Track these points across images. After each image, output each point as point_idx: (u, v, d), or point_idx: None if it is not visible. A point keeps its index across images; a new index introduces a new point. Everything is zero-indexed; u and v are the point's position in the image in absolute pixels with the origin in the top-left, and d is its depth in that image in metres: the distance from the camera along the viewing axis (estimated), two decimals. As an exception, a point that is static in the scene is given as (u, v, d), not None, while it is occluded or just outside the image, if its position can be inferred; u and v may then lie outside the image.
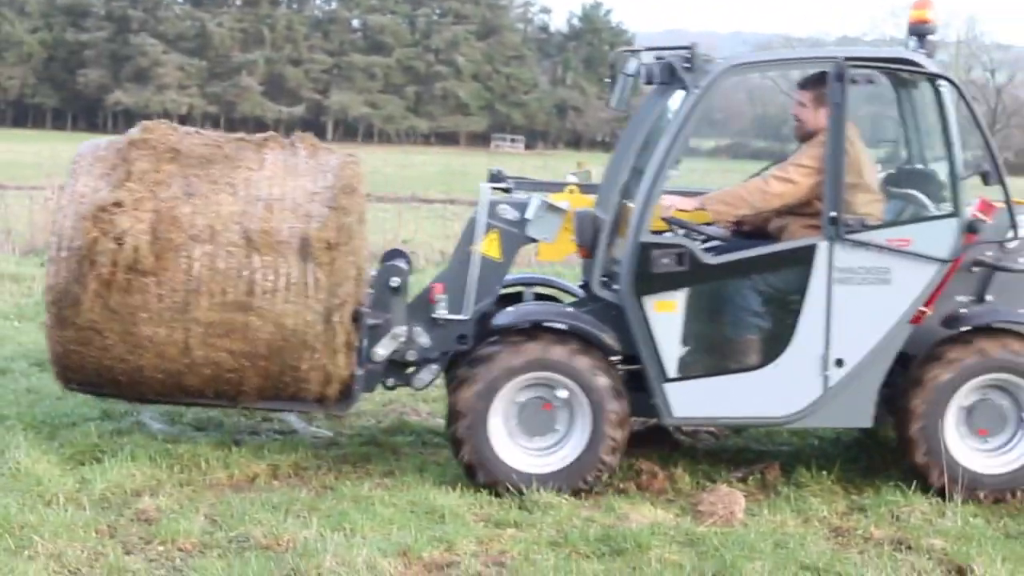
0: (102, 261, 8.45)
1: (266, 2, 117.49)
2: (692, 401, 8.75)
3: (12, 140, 76.94)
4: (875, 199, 8.88)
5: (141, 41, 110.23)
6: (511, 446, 8.71)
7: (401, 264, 9.33)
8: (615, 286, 8.78)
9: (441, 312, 9.11)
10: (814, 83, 8.91)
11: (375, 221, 14.59)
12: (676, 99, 8.92)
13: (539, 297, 9.82)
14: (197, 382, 8.76)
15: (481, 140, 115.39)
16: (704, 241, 9.05)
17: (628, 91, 9.05)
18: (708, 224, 9.09)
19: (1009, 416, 8.89)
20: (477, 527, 7.93)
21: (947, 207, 8.77)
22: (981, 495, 8.70)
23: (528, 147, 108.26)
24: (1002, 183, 8.66)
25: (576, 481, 8.63)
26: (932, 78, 8.78)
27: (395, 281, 9.02)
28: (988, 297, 9.02)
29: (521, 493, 8.48)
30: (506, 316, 8.98)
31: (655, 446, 9.59)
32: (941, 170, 8.91)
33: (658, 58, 8.95)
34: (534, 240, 9.27)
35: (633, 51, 9.07)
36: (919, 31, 8.97)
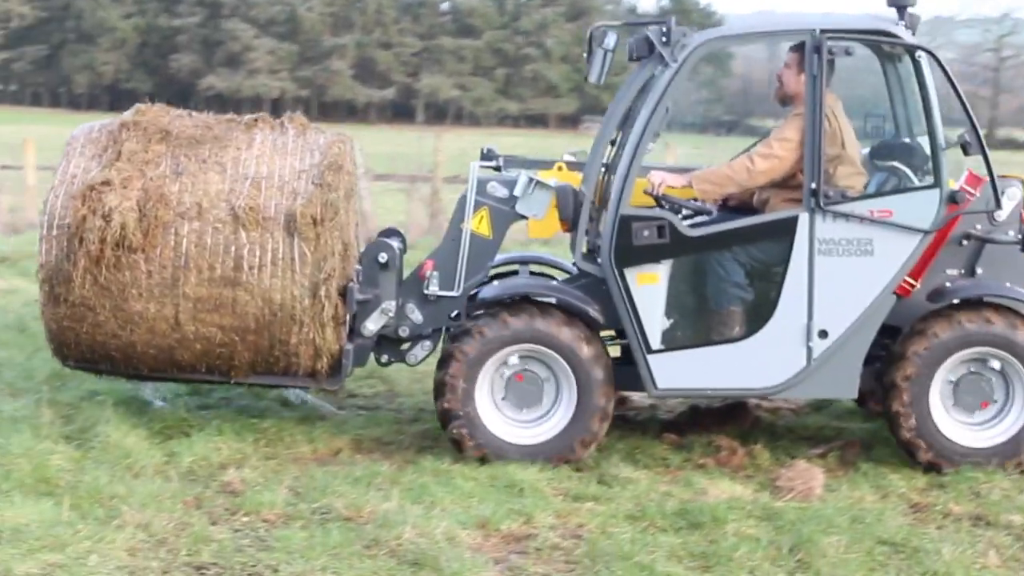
0: (90, 238, 8.65)
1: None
2: (676, 373, 8.79)
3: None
4: (856, 172, 8.86)
5: (233, 26, 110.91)
6: (499, 418, 8.82)
7: (391, 240, 9.44)
8: (599, 259, 8.83)
9: (433, 289, 9.24)
10: (802, 48, 8.83)
11: (449, 201, 14.59)
12: (655, 73, 8.95)
13: (533, 275, 9.87)
14: (189, 357, 8.94)
15: (570, 122, 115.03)
16: (691, 215, 9.10)
17: (607, 66, 9.03)
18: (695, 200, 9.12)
19: (996, 390, 8.84)
20: (555, 501, 8.04)
21: (929, 179, 8.76)
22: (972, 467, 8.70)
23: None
24: (983, 154, 8.62)
25: (565, 452, 8.72)
26: (911, 49, 8.75)
27: (383, 257, 9.16)
28: (978, 270, 9.00)
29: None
30: (492, 290, 9.09)
31: (735, 423, 9.62)
32: (925, 142, 8.88)
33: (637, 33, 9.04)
34: (524, 217, 9.34)
35: (611, 26, 9.09)
36: (898, 3, 8.92)
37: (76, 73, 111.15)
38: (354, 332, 9.14)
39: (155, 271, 8.75)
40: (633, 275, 8.67)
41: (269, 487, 8.01)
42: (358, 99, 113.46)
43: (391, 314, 9.18)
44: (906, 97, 9.21)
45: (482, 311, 8.86)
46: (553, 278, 9.71)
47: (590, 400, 8.69)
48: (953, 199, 8.66)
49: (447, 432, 8.79)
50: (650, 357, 8.75)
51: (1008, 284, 8.91)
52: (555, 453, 8.70)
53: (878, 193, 8.91)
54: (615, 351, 9.16)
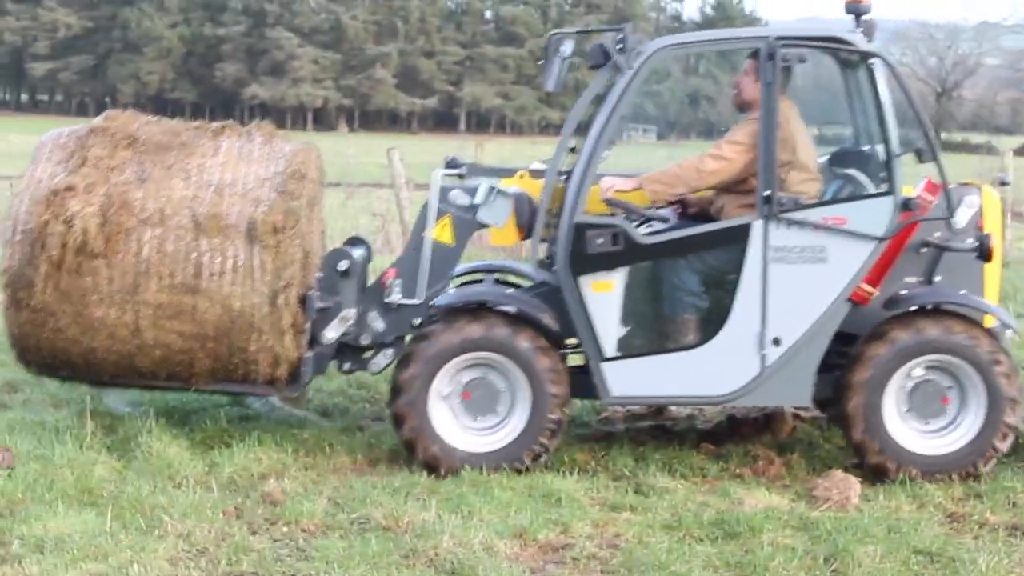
0: (52, 243, 8.76)
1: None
2: (630, 380, 8.82)
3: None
4: (810, 178, 8.86)
5: (277, 35, 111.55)
6: (453, 424, 8.87)
7: (351, 248, 9.52)
8: (555, 267, 8.87)
9: (395, 297, 9.30)
10: (759, 56, 8.85)
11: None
12: (610, 80, 8.96)
13: (498, 283, 9.89)
14: (149, 363, 9.03)
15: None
16: (645, 223, 9.10)
17: (563, 73, 9.06)
18: (651, 206, 9.11)
19: (951, 397, 8.84)
20: (592, 510, 8.08)
21: (884, 186, 8.76)
22: (914, 474, 8.70)
23: (660, 137, 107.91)
24: (936, 161, 8.61)
25: (514, 461, 8.75)
26: (864, 56, 8.78)
27: (343, 265, 9.22)
28: (936, 278, 9.01)
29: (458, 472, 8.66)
30: (448, 297, 9.15)
31: (772, 433, 9.64)
32: (881, 150, 8.87)
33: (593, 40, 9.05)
34: (485, 225, 9.40)
35: (566, 33, 9.10)
36: (855, 10, 8.93)
37: (122, 83, 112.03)
38: (314, 340, 9.20)
39: (116, 277, 8.85)
40: (588, 283, 8.70)
41: (309, 497, 8.08)
42: (401, 108, 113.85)
43: (351, 322, 9.25)
44: (866, 105, 9.19)
45: (439, 317, 8.92)
46: (519, 287, 9.73)
47: (543, 410, 8.73)
48: (907, 206, 8.65)
49: (400, 435, 8.84)
50: (604, 365, 8.78)
51: (964, 292, 8.92)
52: (506, 462, 8.73)
53: (831, 200, 8.93)
54: (579, 359, 9.19)
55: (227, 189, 9.02)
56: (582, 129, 9.12)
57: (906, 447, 8.74)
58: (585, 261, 8.67)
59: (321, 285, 9.17)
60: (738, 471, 8.95)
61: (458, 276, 9.88)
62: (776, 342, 8.68)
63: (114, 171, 9.04)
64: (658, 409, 10.09)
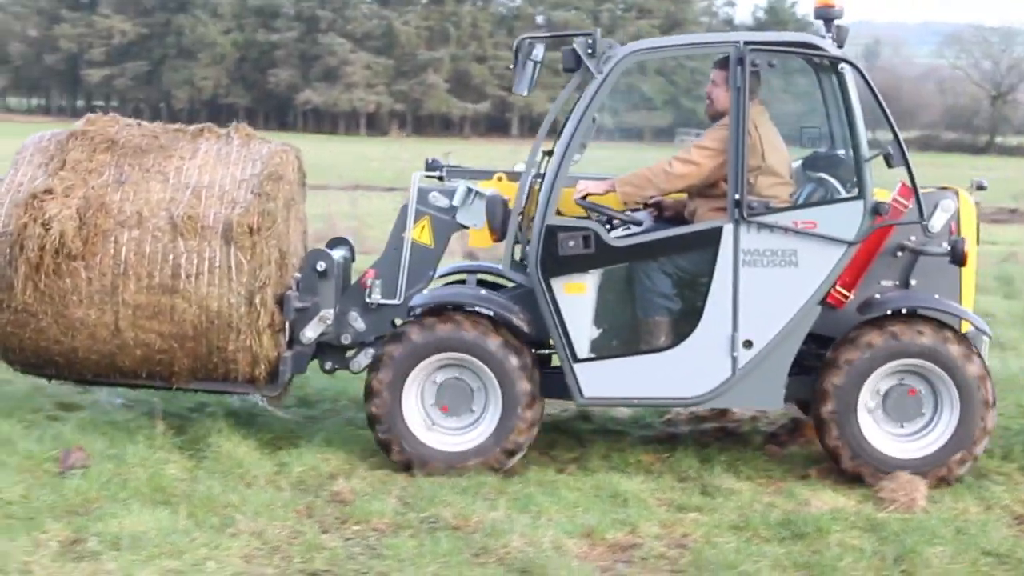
0: (30, 246, 8.92)
1: (451, 0, 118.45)
2: (602, 382, 8.86)
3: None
4: (780, 182, 8.88)
5: (330, 40, 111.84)
6: (427, 425, 8.95)
7: (336, 250, 9.67)
8: (529, 269, 8.92)
9: (375, 297, 9.40)
10: (726, 64, 8.86)
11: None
12: (582, 85, 9.02)
13: (480, 283, 9.89)
14: (130, 363, 9.17)
15: (666, 135, 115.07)
16: (622, 225, 9.16)
17: (535, 77, 9.11)
18: (628, 209, 9.20)
19: (925, 402, 8.83)
20: (660, 511, 8.13)
21: (854, 190, 8.76)
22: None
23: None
24: (906, 165, 8.58)
25: (487, 461, 8.81)
26: (834, 61, 8.80)
27: (321, 265, 9.31)
28: (912, 282, 9.00)
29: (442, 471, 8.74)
30: (421, 297, 9.21)
31: None
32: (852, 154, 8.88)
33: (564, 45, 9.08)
34: (464, 227, 9.49)
35: (537, 38, 9.14)
36: (825, 15, 8.98)
37: (176, 88, 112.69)
38: (293, 339, 9.31)
39: (95, 278, 9.00)
40: (560, 284, 8.76)
41: (378, 497, 8.18)
42: (453, 113, 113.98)
43: (329, 322, 9.35)
44: (837, 109, 9.20)
45: (412, 318, 9.01)
46: (502, 288, 9.76)
47: (514, 410, 8.79)
48: (877, 210, 8.64)
49: (375, 436, 8.93)
50: (576, 366, 8.83)
51: (937, 296, 8.92)
52: (479, 461, 8.79)
53: (802, 204, 8.95)
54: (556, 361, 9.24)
55: (204, 191, 9.16)
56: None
57: (881, 451, 8.74)
58: (557, 263, 8.74)
59: (299, 285, 9.29)
60: (803, 472, 8.98)
61: (443, 277, 9.97)
62: (748, 345, 8.71)
63: (92, 174, 9.21)
64: (721, 411, 10.13)
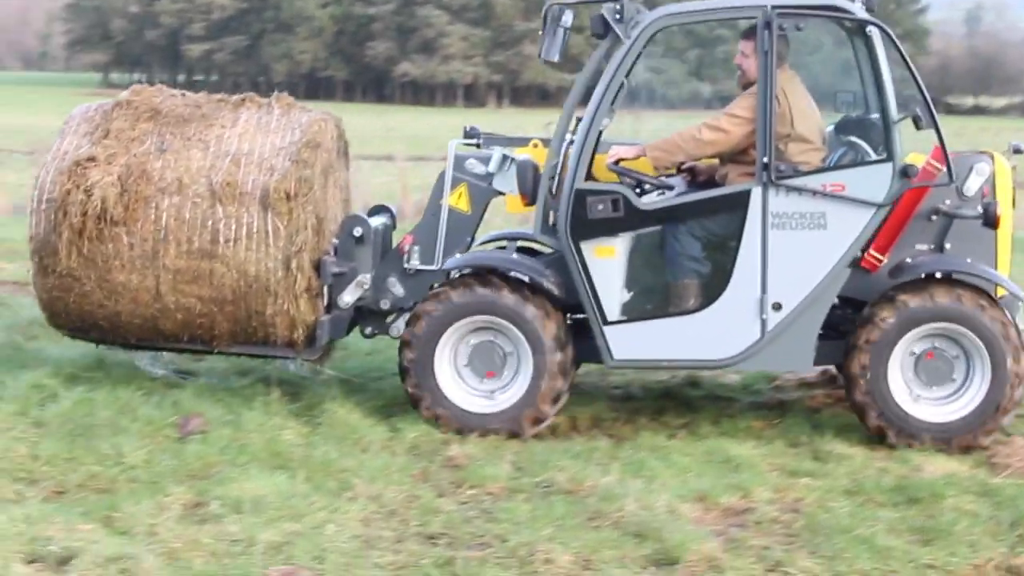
0: (73, 212, 9.18)
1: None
2: (632, 344, 8.91)
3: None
4: (811, 148, 8.89)
5: (427, 13, 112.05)
6: (457, 384, 9.06)
7: (377, 217, 9.85)
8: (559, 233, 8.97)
9: (413, 263, 9.53)
10: (754, 33, 8.85)
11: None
12: (610, 50, 9.05)
13: (521, 250, 9.94)
14: (172, 326, 9.39)
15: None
16: (653, 190, 9.21)
17: (562, 44, 9.12)
18: (660, 174, 9.26)
19: (957, 366, 8.77)
20: (772, 476, 8.15)
21: (883, 152, 8.73)
22: (919, 441, 8.66)
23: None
24: (935, 127, 8.56)
25: (513, 425, 8.90)
26: (861, 25, 8.74)
27: (358, 231, 9.45)
28: (947, 246, 8.94)
29: (460, 432, 8.88)
30: (457, 260, 9.31)
31: None
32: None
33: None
34: (501, 193, 9.58)
35: (565, 4, 9.13)
36: None
37: (275, 62, 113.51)
38: (331, 304, 9.45)
39: (136, 244, 9.24)
40: (590, 248, 8.83)
41: (491, 462, 8.26)
42: (550, 83, 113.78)
43: (366, 287, 9.48)
44: (865, 73, 9.17)
45: (451, 278, 9.14)
46: (541, 254, 9.79)
47: (545, 377, 8.86)
48: (906, 173, 8.61)
49: (405, 389, 9.07)
50: (606, 329, 8.89)
51: (969, 260, 8.86)
52: (505, 426, 8.89)
53: (831, 167, 8.94)
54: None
55: (244, 158, 9.35)
56: (573, 97, 9.20)
57: (908, 412, 8.71)
58: (586, 227, 8.80)
59: (337, 251, 9.43)
60: (914, 438, 8.93)
61: (486, 243, 10.06)
62: (777, 307, 8.74)
63: (134, 142, 9.44)
64: (831, 377, 10.11)
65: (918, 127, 8.62)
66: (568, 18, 9.06)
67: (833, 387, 10.07)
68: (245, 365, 10.44)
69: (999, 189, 8.97)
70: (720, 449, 8.55)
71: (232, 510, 7.26)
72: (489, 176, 9.53)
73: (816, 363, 9.03)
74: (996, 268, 8.97)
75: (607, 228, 8.81)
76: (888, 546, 6.89)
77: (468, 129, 9.92)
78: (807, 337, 8.82)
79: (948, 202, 8.88)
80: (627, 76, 8.90)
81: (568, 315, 9.10)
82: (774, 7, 8.65)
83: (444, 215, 9.55)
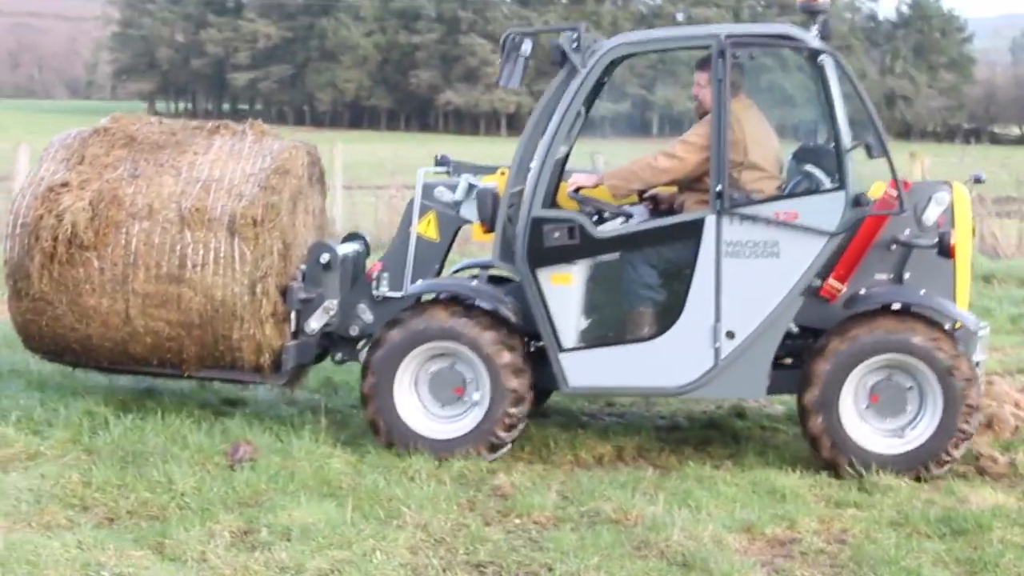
0: (45, 236, 9.35)
1: (591, 0, 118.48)
2: (587, 371, 8.99)
3: (351, 141, 79.38)
4: (764, 176, 8.97)
5: (470, 41, 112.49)
6: (418, 409, 9.15)
7: (349, 244, 9.99)
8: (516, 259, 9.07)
9: (382, 289, 9.68)
10: (709, 64, 8.96)
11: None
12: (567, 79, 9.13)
13: (492, 279, 9.99)
14: (142, 350, 9.54)
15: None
16: (611, 218, 9.28)
17: (523, 71, 9.21)
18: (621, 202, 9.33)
19: (910, 398, 8.79)
20: (818, 507, 8.18)
21: (836, 181, 8.79)
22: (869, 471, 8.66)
23: (856, 137, 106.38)
24: (886, 156, 8.63)
25: (472, 449, 8.97)
26: (813, 53, 8.80)
27: (324, 257, 9.57)
28: (906, 275, 8.99)
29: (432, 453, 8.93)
30: (419, 286, 9.45)
31: (994, 431, 9.58)
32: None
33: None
34: (469, 221, 9.69)
35: (524, 32, 9.26)
36: (809, 9, 9.01)
37: (319, 91, 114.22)
38: (299, 330, 9.56)
39: (107, 268, 9.40)
40: (547, 275, 8.93)
41: (538, 491, 8.33)
42: (594, 113, 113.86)
43: (332, 313, 9.61)
44: (819, 101, 9.19)
45: (411, 305, 9.24)
46: (511, 281, 9.85)
47: (502, 403, 8.94)
48: (858, 201, 8.67)
49: (365, 415, 9.17)
50: (562, 355, 8.98)
51: (924, 291, 8.89)
52: (464, 448, 8.96)
53: (783, 196, 8.98)
54: None
55: (214, 185, 9.49)
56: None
57: (860, 444, 8.74)
58: (542, 254, 8.90)
59: (304, 276, 9.56)
60: (961, 470, 8.93)
61: (459, 271, 10.16)
62: (730, 335, 8.79)
63: (108, 168, 9.61)
64: None
65: (871, 156, 8.70)
66: (527, 47, 9.19)
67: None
68: (293, 394, 10.53)
69: (958, 219, 9.02)
70: (766, 480, 8.58)
71: (281, 537, 7.36)
72: (457, 204, 9.66)
73: (770, 391, 9.07)
74: (955, 298, 9.02)
75: (563, 255, 8.91)
76: (934, 577, 6.91)
77: (439, 157, 10.07)
78: (761, 365, 8.89)
79: (907, 231, 8.94)
80: (584, 104, 9.07)
81: (530, 342, 9.21)
82: (728, 36, 8.77)
83: (412, 242, 9.68)
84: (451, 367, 9.12)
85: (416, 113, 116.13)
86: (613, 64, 9.17)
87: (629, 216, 9.33)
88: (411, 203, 9.76)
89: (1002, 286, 17.51)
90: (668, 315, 8.90)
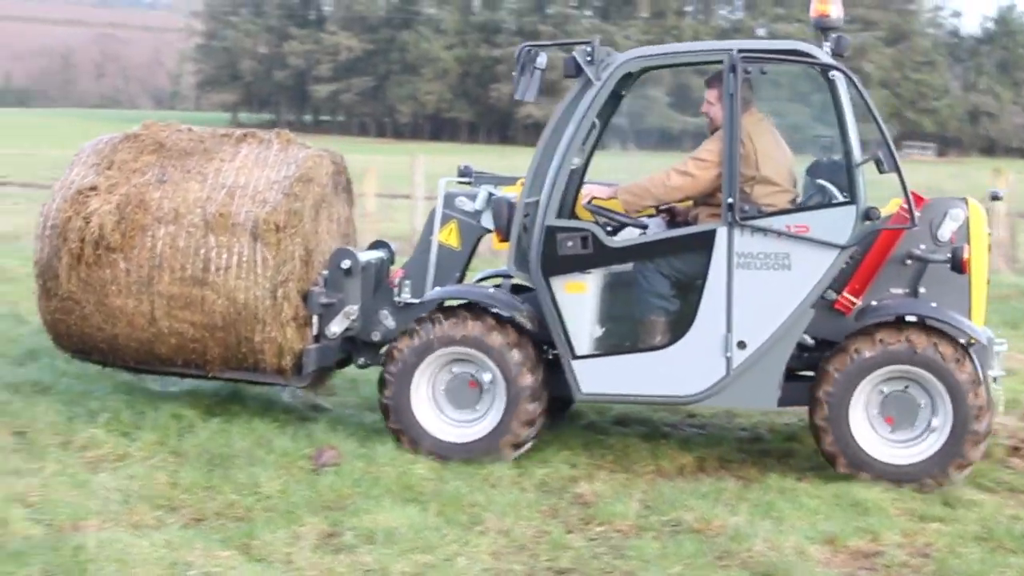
0: (72, 237, 9.63)
1: (672, 13, 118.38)
2: (599, 378, 9.07)
3: (432, 152, 79.71)
4: (777, 190, 9.02)
5: (551, 55, 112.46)
6: (435, 415, 9.28)
7: (374, 251, 10.20)
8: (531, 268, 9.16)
9: (404, 296, 9.87)
10: (719, 80, 9.05)
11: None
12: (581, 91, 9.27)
13: (515, 288, 10.10)
14: (166, 351, 9.76)
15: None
16: (617, 229, 9.44)
17: (539, 84, 9.43)
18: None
19: (920, 409, 8.77)
20: (900, 520, 8.13)
21: (847, 195, 8.82)
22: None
23: (940, 154, 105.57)
24: (897, 171, 8.58)
25: (491, 452, 9.08)
26: (824, 69, 8.82)
27: (346, 263, 9.76)
28: (921, 290, 9.01)
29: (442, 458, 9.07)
30: (437, 292, 9.60)
31: None
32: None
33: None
34: (490, 230, 9.83)
35: (540, 45, 9.49)
36: (822, 24, 9.01)
37: (400, 103, 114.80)
38: (320, 334, 9.72)
39: (132, 269, 9.64)
40: (560, 284, 9.03)
41: (620, 500, 8.35)
42: (672, 125, 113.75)
43: (353, 317, 9.77)
44: (831, 116, 9.19)
45: (425, 314, 9.33)
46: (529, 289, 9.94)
47: (519, 401, 9.04)
48: (869, 215, 8.69)
49: (386, 424, 9.32)
50: (575, 363, 9.06)
51: (934, 304, 8.89)
52: (482, 452, 9.07)
53: (795, 209, 9.02)
54: None
55: (239, 191, 9.70)
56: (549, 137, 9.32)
57: (875, 457, 8.75)
58: (556, 263, 9.00)
59: (326, 282, 9.73)
60: (1046, 485, 8.88)
61: (482, 279, 10.32)
62: (741, 345, 8.83)
63: (136, 173, 9.85)
64: None
65: (881, 171, 8.67)
66: (543, 60, 9.42)
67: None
68: (372, 399, 10.61)
69: (973, 235, 9.03)
70: (848, 492, 8.52)
71: (365, 541, 7.46)
72: (478, 213, 9.82)
73: (783, 403, 9.10)
74: (970, 314, 9.02)
75: (577, 264, 9.01)
76: (1020, 593, 6.88)
77: (462, 168, 10.22)
78: (772, 375, 8.92)
79: (923, 247, 8.99)
80: (597, 116, 9.20)
81: (547, 349, 9.31)
82: (739, 51, 8.82)
83: (434, 250, 9.83)
84: (467, 372, 9.24)
85: (496, 126, 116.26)
86: (627, 77, 9.32)
87: (645, 227, 9.43)
88: (433, 212, 9.92)
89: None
90: (680, 325, 8.98)
